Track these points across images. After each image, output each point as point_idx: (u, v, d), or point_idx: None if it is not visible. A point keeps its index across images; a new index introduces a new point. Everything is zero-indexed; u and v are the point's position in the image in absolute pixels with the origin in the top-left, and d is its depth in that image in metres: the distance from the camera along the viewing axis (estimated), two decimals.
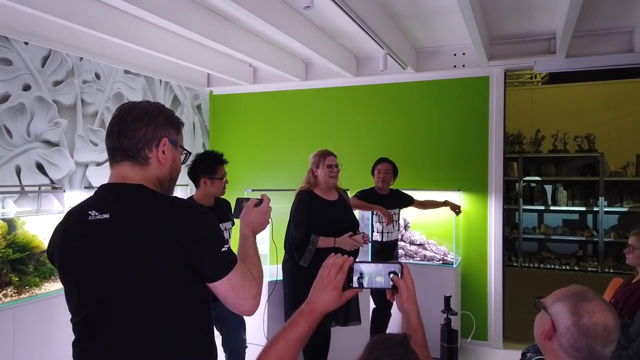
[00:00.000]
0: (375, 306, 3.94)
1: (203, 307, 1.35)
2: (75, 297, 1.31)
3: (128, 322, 1.24)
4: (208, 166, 2.91)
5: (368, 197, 3.87)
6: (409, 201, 4.15)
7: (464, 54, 4.41)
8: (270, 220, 1.61)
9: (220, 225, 2.98)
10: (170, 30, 3.69)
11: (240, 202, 1.76)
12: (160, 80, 4.69)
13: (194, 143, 5.19)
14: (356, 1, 2.95)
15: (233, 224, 3.21)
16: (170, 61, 4.22)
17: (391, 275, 1.19)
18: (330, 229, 3.09)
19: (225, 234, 3.04)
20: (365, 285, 1.18)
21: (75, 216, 1.33)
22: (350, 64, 4.67)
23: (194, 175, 2.95)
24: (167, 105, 4.73)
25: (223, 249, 1.27)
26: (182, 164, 1.44)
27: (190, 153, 1.50)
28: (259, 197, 1.66)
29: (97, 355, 1.27)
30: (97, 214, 1.28)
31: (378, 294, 3.88)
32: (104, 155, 4.04)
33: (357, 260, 1.19)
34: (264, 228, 1.60)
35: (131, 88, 4.32)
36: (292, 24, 3.47)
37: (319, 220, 3.11)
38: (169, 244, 1.22)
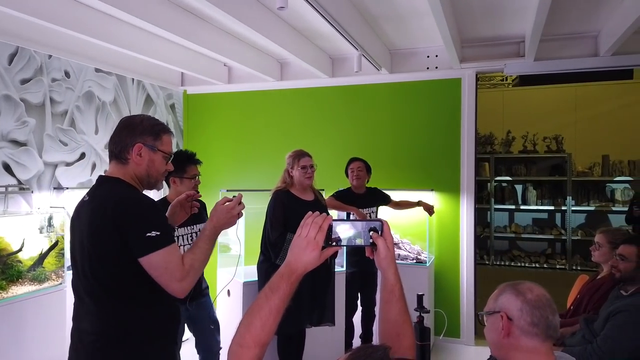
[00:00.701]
0: (362, 308, 3.98)
1: (148, 279, 1.56)
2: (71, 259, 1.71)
3: (85, 285, 1.61)
4: (178, 165, 2.80)
5: (346, 197, 3.89)
6: (385, 200, 4.19)
7: (436, 56, 4.49)
8: (238, 216, 1.74)
9: (194, 226, 2.96)
10: (143, 29, 3.64)
11: None
12: (133, 79, 4.62)
13: None
14: (330, 2, 2.96)
15: None
16: (143, 60, 4.16)
17: (371, 232, 1.17)
18: None
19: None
20: (344, 244, 1.16)
21: (80, 199, 1.73)
22: (325, 64, 4.69)
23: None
24: (140, 104, 4.69)
25: (149, 234, 1.53)
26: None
27: (172, 155, 1.77)
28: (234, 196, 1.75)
29: (75, 306, 1.69)
30: (86, 197, 1.69)
31: (364, 292, 3.92)
32: (73, 155, 3.96)
33: (336, 218, 1.16)
34: (229, 225, 1.74)
35: (102, 87, 4.24)
36: (267, 24, 3.47)
37: (296, 220, 3.08)
38: (110, 224, 1.54)
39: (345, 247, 1.19)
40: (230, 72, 5.15)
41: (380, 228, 1.18)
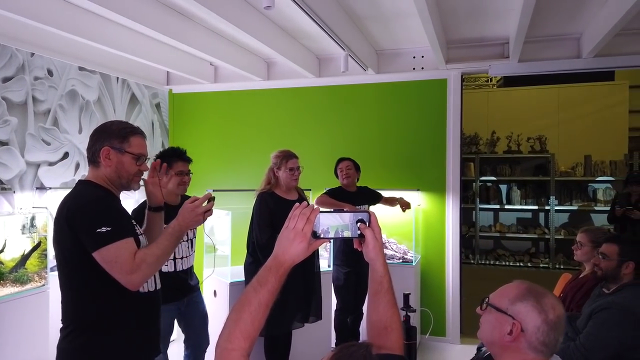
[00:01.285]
0: (337, 307, 3.97)
1: (103, 272, 1.65)
2: None
3: (59, 279, 1.77)
4: (164, 160, 2.81)
5: (337, 196, 3.89)
6: (377, 198, 4.19)
7: (422, 56, 4.51)
8: (205, 215, 1.80)
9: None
10: (128, 27, 3.60)
11: None
12: (118, 78, 4.56)
13: (152, 142, 5.07)
14: (317, 2, 2.97)
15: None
16: (127, 58, 4.11)
17: (359, 224, 1.16)
18: None
19: (189, 234, 3.01)
20: (332, 236, 1.15)
21: None
22: (312, 64, 4.69)
23: None
24: (125, 103, 4.64)
25: (99, 230, 1.62)
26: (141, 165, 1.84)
27: (142, 156, 1.82)
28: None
29: None
30: None
31: (340, 292, 3.92)
32: (56, 155, 3.90)
33: (323, 210, 1.16)
34: (196, 223, 1.81)
35: (86, 85, 4.18)
36: (253, 24, 3.45)
37: (282, 221, 3.06)
38: (65, 222, 1.67)
39: (333, 241, 1.19)
40: (217, 72, 5.13)
41: (368, 219, 1.17)
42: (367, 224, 1.17)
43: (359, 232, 1.17)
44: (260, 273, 1.09)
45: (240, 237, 3.34)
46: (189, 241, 3.01)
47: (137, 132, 1.84)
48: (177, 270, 2.90)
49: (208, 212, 1.82)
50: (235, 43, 4.32)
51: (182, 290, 2.96)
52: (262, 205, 3.15)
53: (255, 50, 4.56)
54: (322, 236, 1.14)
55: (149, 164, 1.91)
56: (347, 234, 1.17)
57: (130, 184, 1.84)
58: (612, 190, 6.35)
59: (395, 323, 1.19)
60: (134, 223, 1.85)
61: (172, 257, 2.87)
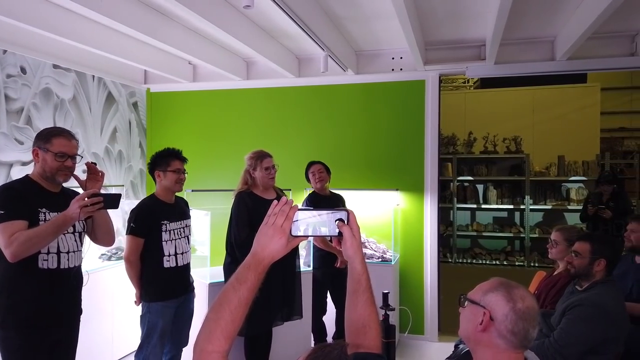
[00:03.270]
0: (335, 307, 3.98)
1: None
2: None
3: None
4: (161, 159, 3.03)
5: (313, 202, 3.89)
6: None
7: (401, 58, 4.55)
8: (82, 209, 2.03)
9: (180, 222, 3.04)
10: (104, 24, 3.53)
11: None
12: (93, 76, 4.48)
13: (130, 142, 5.00)
14: (296, 2, 2.97)
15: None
16: (104, 56, 4.04)
17: (337, 222, 1.16)
18: None
19: (186, 231, 3.09)
20: (311, 233, 1.15)
21: None
22: (292, 64, 4.68)
23: (151, 170, 3.04)
24: (101, 102, 4.57)
25: None
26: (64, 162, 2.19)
27: (63, 154, 2.17)
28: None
29: None
30: None
31: (316, 293, 3.93)
32: (29, 155, 3.77)
33: (302, 207, 1.16)
34: (74, 215, 2.03)
35: (61, 84, 4.10)
36: (232, 23, 3.43)
37: (260, 220, 3.06)
38: None
39: (312, 239, 1.19)
40: (195, 70, 5.08)
41: (346, 218, 1.18)
42: (346, 222, 1.18)
43: (337, 230, 1.17)
44: (239, 271, 1.07)
45: (220, 237, 3.32)
46: (186, 238, 3.08)
47: (60, 134, 2.20)
48: (179, 265, 2.98)
49: (88, 208, 2.05)
50: (214, 42, 4.29)
51: (183, 287, 3.04)
52: (240, 204, 3.15)
53: (234, 49, 4.54)
54: (300, 233, 1.13)
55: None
56: (324, 230, 1.17)
57: (55, 177, 2.20)
58: (585, 189, 6.50)
59: (373, 322, 1.20)
60: (43, 210, 2.15)
61: (173, 252, 2.94)
